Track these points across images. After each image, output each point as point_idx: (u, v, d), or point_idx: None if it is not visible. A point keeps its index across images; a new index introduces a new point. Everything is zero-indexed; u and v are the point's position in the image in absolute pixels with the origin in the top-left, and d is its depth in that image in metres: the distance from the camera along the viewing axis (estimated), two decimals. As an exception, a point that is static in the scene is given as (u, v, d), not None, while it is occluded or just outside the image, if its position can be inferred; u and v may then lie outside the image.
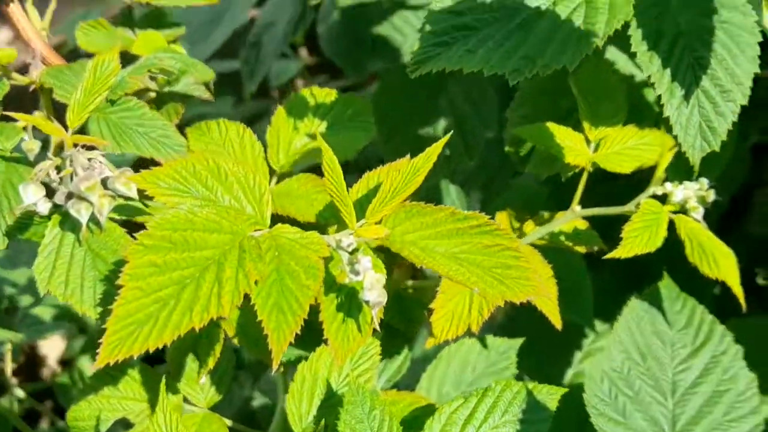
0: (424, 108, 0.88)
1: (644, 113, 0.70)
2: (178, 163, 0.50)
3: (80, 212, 0.51)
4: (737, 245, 0.64)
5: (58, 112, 0.62)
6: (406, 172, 0.50)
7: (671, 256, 0.61)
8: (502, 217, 0.73)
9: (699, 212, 0.64)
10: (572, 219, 0.69)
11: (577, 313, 0.77)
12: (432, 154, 0.51)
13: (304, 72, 1.28)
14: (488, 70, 0.51)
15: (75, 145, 0.52)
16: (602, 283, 0.81)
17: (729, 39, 0.53)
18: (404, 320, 0.66)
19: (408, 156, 0.52)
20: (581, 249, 0.68)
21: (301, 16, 0.98)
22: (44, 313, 0.92)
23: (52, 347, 1.24)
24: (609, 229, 0.68)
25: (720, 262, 0.60)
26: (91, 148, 0.55)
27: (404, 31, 0.93)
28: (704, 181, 0.64)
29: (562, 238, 0.70)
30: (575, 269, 0.79)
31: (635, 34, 0.52)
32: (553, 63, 0.50)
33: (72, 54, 0.72)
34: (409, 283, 0.69)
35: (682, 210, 0.64)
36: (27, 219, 0.55)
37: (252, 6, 1.19)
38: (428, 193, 0.91)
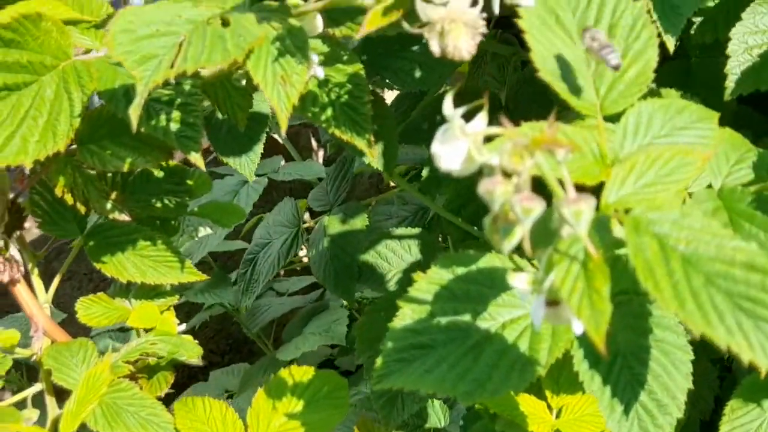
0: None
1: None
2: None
3: None
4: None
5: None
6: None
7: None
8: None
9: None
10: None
11: None
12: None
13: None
14: (442, 392, 0.56)
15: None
16: None
17: (664, 357, 0.58)
18: None
19: None
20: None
21: (293, 240, 1.04)
22: None
23: None
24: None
25: None
26: None
27: (389, 259, 0.99)
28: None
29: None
30: None
31: (577, 354, 0.57)
32: (500, 388, 0.55)
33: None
34: None
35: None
36: None
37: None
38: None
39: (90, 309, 0.72)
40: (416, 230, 1.01)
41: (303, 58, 0.57)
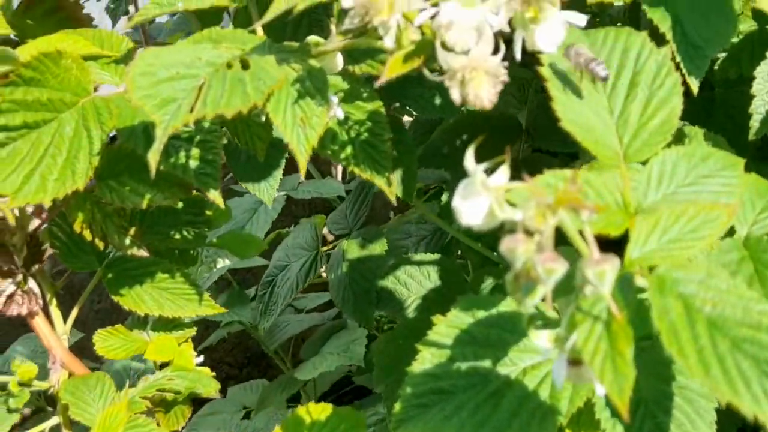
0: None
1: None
2: None
3: None
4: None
5: None
6: None
7: None
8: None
9: None
10: None
11: None
12: None
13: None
14: (463, 441, 0.55)
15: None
16: None
17: (687, 404, 0.57)
18: None
19: None
20: None
21: (312, 263, 1.04)
22: None
23: None
24: None
25: None
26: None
27: (408, 285, 0.98)
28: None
29: None
30: None
31: (598, 402, 0.56)
32: (520, 443, 0.54)
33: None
34: None
35: None
36: None
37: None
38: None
39: (107, 341, 0.72)
40: (436, 256, 1.00)
41: (323, 100, 0.56)
